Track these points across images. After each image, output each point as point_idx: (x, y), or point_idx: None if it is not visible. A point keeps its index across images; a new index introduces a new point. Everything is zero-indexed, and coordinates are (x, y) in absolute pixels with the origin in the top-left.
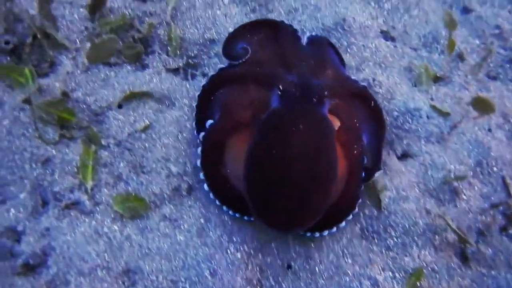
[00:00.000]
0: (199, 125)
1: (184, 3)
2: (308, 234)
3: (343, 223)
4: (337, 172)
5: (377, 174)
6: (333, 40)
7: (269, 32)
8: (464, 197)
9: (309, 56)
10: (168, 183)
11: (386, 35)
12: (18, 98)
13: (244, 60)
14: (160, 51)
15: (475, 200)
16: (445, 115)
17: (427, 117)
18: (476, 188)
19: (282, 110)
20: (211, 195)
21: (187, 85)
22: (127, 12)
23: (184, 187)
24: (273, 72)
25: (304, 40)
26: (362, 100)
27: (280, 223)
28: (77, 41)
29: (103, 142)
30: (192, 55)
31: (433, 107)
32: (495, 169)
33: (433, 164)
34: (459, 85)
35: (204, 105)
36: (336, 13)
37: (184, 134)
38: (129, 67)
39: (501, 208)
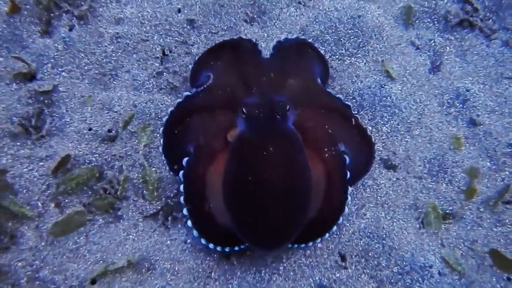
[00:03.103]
0: (172, 162)
1: (158, 135)
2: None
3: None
4: (311, 181)
5: None
6: None
7: (230, 53)
8: None
9: (270, 68)
10: None
11: (387, 164)
12: None
13: (205, 86)
14: (135, 198)
15: None
16: (459, 272)
17: (439, 273)
18: None
19: (248, 133)
20: (195, 232)
21: (168, 241)
22: (93, 159)
23: None
24: (235, 95)
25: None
26: (336, 114)
27: (269, 242)
28: (39, 204)
29: None
30: (171, 194)
31: (445, 262)
32: None
33: None
34: (471, 222)
35: (173, 133)
36: None
37: None
38: (101, 221)
39: None
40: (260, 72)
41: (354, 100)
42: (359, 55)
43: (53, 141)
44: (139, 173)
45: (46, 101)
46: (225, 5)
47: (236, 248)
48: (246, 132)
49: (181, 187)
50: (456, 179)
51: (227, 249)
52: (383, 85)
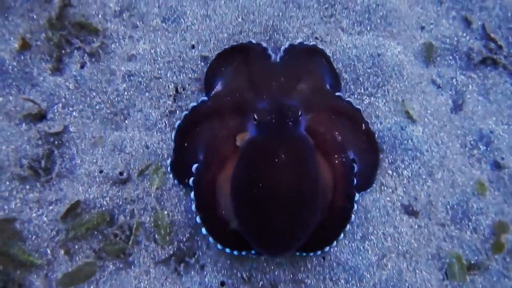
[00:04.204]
0: (182, 170)
1: (170, 176)
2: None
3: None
4: (320, 189)
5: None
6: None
7: (240, 58)
8: None
9: (280, 72)
10: None
11: (408, 210)
12: None
13: (214, 92)
14: (146, 242)
15: None
16: None
17: None
18: None
19: (259, 139)
20: (210, 239)
21: None
22: (104, 202)
23: None
24: (244, 100)
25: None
26: (346, 119)
27: (275, 248)
28: (48, 251)
29: None
30: (184, 239)
31: None
32: None
33: None
34: (498, 273)
35: (183, 147)
36: None
37: None
38: (111, 267)
39: None
40: (270, 76)
41: None
42: (379, 94)
43: (63, 184)
44: (151, 216)
45: (56, 142)
46: (240, 41)
47: (253, 252)
48: (257, 137)
49: (192, 194)
50: (481, 227)
51: (243, 253)
52: (403, 127)
